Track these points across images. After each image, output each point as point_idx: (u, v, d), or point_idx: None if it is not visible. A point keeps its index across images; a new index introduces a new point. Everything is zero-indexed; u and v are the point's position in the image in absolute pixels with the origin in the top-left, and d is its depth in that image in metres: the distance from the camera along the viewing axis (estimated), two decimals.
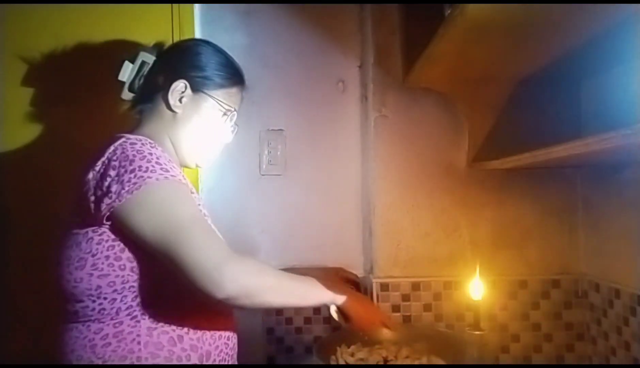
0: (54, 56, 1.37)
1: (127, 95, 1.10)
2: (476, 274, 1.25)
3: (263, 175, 1.53)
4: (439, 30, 1.04)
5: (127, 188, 0.86)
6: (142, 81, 1.09)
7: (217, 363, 0.98)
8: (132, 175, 0.87)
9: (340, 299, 1.02)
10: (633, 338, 1.18)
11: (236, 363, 1.06)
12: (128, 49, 1.12)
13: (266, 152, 1.53)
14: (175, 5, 1.40)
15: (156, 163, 0.90)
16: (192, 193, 0.97)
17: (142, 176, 0.87)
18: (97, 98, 1.32)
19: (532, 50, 1.16)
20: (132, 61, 1.09)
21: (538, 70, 1.29)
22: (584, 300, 1.40)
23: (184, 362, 0.93)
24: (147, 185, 0.86)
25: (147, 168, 0.88)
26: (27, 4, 1.37)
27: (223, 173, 1.52)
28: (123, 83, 1.10)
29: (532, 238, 1.44)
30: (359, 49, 1.53)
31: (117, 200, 0.86)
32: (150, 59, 1.09)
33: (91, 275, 0.90)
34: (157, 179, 0.88)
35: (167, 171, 0.90)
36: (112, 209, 0.87)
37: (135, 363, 0.90)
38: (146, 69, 1.09)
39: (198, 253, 0.84)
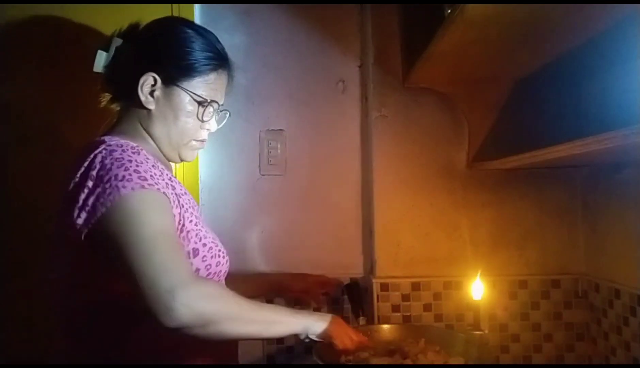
0: (51, 54, 1.37)
1: (105, 86, 1.03)
2: (476, 274, 1.25)
3: (263, 175, 1.53)
4: (439, 30, 1.04)
5: (101, 200, 0.81)
6: (116, 70, 1.01)
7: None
8: (107, 185, 0.81)
9: (318, 328, 0.96)
10: (633, 338, 1.18)
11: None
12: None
13: (266, 152, 1.53)
14: (175, 5, 1.40)
15: (134, 170, 0.84)
16: (180, 196, 0.92)
17: (116, 187, 0.81)
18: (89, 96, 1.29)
19: (532, 50, 1.16)
20: (106, 49, 1.01)
21: (538, 70, 1.29)
22: (584, 300, 1.40)
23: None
24: (121, 197, 0.80)
25: (122, 176, 0.82)
26: (27, 3, 1.37)
27: (223, 173, 1.52)
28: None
29: (532, 238, 1.44)
30: (359, 49, 1.53)
31: (93, 214, 0.81)
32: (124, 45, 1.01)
33: (86, 290, 0.87)
34: (132, 188, 0.81)
35: (145, 179, 0.84)
36: (90, 224, 0.82)
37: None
38: (120, 55, 1.00)
39: (153, 273, 0.76)
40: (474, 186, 1.45)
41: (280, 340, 1.48)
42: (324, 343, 0.98)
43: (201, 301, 0.78)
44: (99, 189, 0.81)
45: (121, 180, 0.81)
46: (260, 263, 1.51)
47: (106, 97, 1.05)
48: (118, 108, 1.04)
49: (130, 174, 0.83)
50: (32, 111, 1.38)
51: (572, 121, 1.28)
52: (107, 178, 0.82)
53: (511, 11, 0.92)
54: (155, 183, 0.85)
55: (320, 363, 1.03)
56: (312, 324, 0.96)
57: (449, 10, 1.02)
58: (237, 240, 1.50)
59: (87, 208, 0.82)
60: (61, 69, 1.37)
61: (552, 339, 1.42)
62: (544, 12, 0.93)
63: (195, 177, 1.47)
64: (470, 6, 0.89)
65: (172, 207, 0.88)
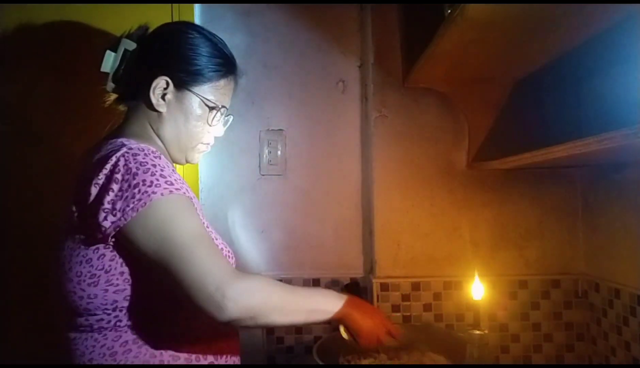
0: (52, 53, 1.37)
1: (111, 87, 1.03)
2: (476, 274, 1.25)
3: (263, 175, 1.53)
4: (439, 30, 1.04)
5: (131, 205, 0.82)
6: (124, 72, 1.01)
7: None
8: (135, 190, 0.83)
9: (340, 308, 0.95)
10: (633, 338, 1.18)
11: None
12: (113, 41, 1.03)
13: (266, 152, 1.53)
14: (175, 5, 1.40)
15: (160, 175, 0.86)
16: (192, 199, 0.93)
17: (146, 192, 0.83)
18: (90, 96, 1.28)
19: (532, 50, 1.16)
20: (114, 50, 1.01)
21: (538, 70, 1.29)
22: (584, 300, 1.41)
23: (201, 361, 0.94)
24: (152, 202, 0.82)
25: (151, 182, 0.84)
26: (28, 4, 1.37)
27: (223, 173, 1.52)
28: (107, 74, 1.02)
29: (532, 238, 1.44)
30: (359, 49, 1.53)
31: (122, 218, 0.82)
32: (133, 46, 1.01)
33: (106, 290, 0.88)
34: (162, 194, 0.84)
35: (172, 183, 0.86)
36: (117, 228, 0.83)
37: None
38: (129, 57, 1.01)
39: (199, 274, 0.80)
40: (474, 186, 1.45)
41: (280, 340, 1.49)
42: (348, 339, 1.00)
43: (248, 295, 0.82)
44: (127, 194, 0.83)
45: (150, 185, 0.83)
46: (260, 263, 1.51)
47: (111, 97, 1.05)
48: (124, 109, 1.05)
49: (157, 179, 0.84)
50: (34, 111, 1.38)
51: (572, 121, 1.28)
52: (134, 182, 0.83)
53: (511, 11, 0.92)
54: (180, 187, 0.87)
55: (320, 363, 1.03)
56: (347, 317, 0.96)
57: (449, 10, 1.03)
58: (237, 240, 1.50)
59: (114, 212, 0.83)
60: (63, 68, 1.38)
61: (552, 339, 1.42)
62: (544, 12, 0.93)
63: (196, 177, 1.47)
64: (470, 6, 0.89)
65: (196, 209, 0.91)
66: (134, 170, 0.84)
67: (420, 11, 1.38)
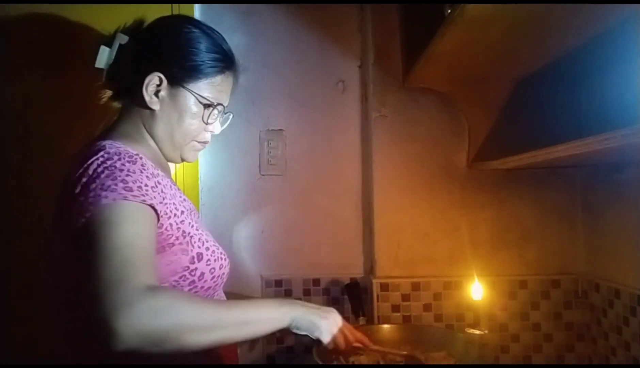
0: (51, 53, 1.37)
1: (106, 83, 1.01)
2: (476, 274, 1.25)
3: (263, 175, 1.53)
4: (439, 30, 1.04)
5: (82, 210, 0.78)
6: (119, 67, 0.98)
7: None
8: (91, 194, 0.78)
9: (307, 322, 0.88)
10: (633, 338, 1.18)
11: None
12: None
13: (266, 152, 1.53)
14: (175, 5, 1.40)
15: (122, 180, 0.80)
16: (180, 203, 0.90)
17: (98, 196, 0.78)
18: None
19: (532, 50, 1.16)
20: (109, 45, 0.99)
21: (538, 70, 1.29)
22: (584, 300, 1.41)
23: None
24: (100, 207, 0.77)
25: (108, 186, 0.79)
26: (28, 3, 1.37)
27: (223, 173, 1.52)
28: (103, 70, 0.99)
29: (532, 238, 1.44)
30: (359, 49, 1.53)
31: (77, 222, 0.78)
32: (127, 40, 0.99)
33: (74, 295, 0.84)
34: (113, 199, 0.77)
35: (131, 190, 0.80)
36: (74, 232, 0.78)
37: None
38: (124, 52, 0.98)
39: (99, 290, 0.69)
40: (473, 186, 1.45)
41: (280, 340, 1.48)
42: (314, 340, 0.91)
43: (149, 318, 0.69)
44: (82, 198, 0.79)
45: (105, 190, 0.79)
46: (260, 263, 1.51)
47: (107, 94, 1.03)
48: (119, 106, 1.03)
49: (116, 184, 0.80)
50: (33, 110, 1.38)
51: (572, 121, 1.28)
52: (93, 186, 0.79)
53: (511, 11, 0.92)
54: (142, 195, 0.81)
55: (320, 363, 1.03)
56: (299, 317, 0.87)
57: (449, 10, 1.02)
58: (237, 240, 1.50)
59: (72, 215, 0.80)
60: (62, 68, 1.37)
61: (552, 339, 1.42)
62: (544, 12, 0.93)
63: (195, 177, 1.47)
64: (471, 6, 0.89)
65: (162, 218, 0.86)
66: (97, 173, 0.81)
67: (420, 11, 1.38)
